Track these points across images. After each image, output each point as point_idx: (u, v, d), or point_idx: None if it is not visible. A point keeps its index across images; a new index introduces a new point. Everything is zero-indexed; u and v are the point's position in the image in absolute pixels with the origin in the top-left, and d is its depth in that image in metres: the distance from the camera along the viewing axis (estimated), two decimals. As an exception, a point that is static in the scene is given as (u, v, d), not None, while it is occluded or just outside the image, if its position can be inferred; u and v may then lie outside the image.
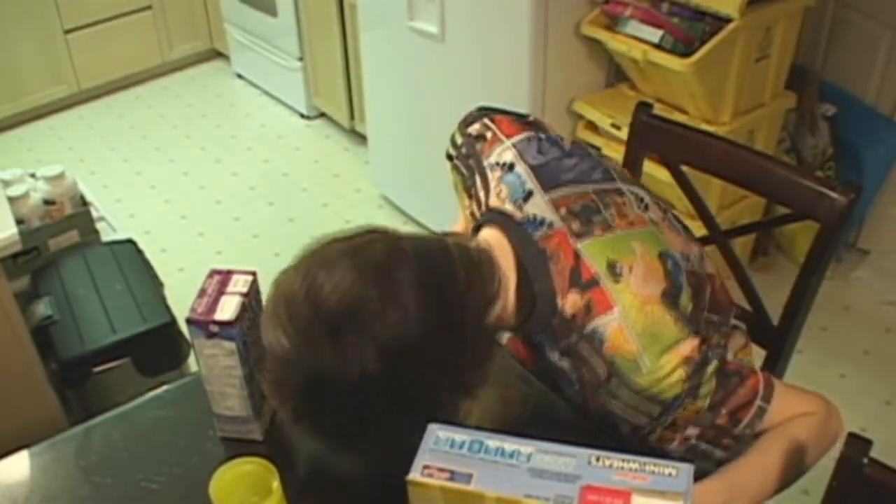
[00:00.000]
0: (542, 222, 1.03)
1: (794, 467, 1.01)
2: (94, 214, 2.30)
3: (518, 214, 1.05)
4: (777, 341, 1.37)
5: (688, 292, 1.02)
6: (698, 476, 0.88)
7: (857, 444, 0.95)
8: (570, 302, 1.00)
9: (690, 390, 0.97)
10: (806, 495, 1.99)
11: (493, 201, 1.09)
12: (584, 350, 1.00)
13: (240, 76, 4.08)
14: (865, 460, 0.94)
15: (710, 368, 0.98)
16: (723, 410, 0.99)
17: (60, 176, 2.23)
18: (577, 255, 1.00)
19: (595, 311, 0.98)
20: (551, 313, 1.01)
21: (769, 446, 1.01)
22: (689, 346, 0.96)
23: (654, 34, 2.16)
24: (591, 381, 1.02)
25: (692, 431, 1.00)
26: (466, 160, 1.17)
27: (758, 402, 1.01)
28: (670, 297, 0.99)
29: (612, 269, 0.99)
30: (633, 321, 0.97)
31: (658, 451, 1.02)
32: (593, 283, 0.98)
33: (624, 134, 1.97)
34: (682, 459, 0.89)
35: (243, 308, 1.04)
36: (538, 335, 1.07)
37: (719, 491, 0.98)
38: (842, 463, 0.96)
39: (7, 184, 2.18)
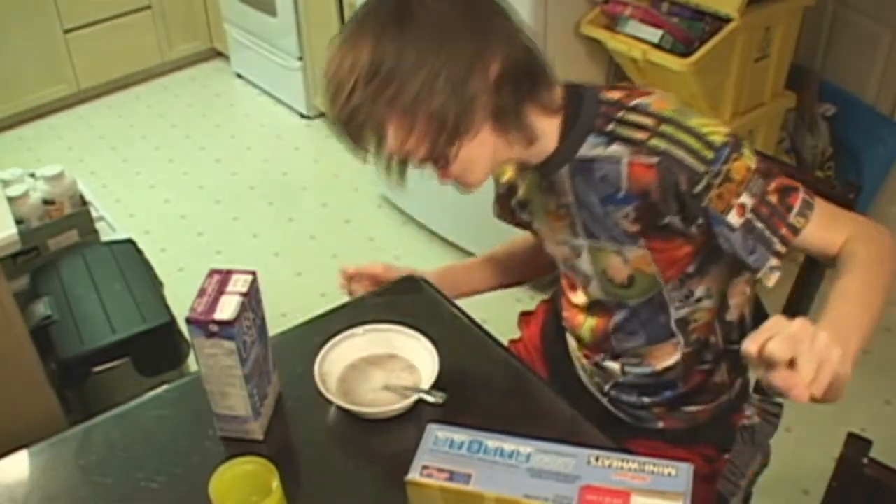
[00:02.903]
0: None
1: (879, 288, 1.00)
2: (94, 214, 2.30)
3: None
4: (777, 341, 1.37)
5: None
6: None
7: (857, 444, 0.95)
8: (613, 92, 1.13)
9: (735, 144, 1.04)
10: (806, 495, 2.00)
11: None
12: (630, 117, 1.09)
13: (239, 76, 4.08)
14: (865, 460, 0.94)
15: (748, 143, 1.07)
16: (772, 183, 1.05)
17: (60, 175, 2.23)
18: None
19: (636, 94, 1.11)
20: (596, 104, 1.11)
21: (847, 280, 1.00)
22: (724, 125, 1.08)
23: (654, 34, 2.16)
24: (640, 139, 1.07)
25: (747, 200, 1.04)
26: None
27: (803, 194, 1.06)
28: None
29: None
30: (671, 98, 1.10)
31: (719, 223, 1.05)
32: (632, 85, 1.18)
33: (624, 134, 1.97)
34: (745, 245, 1.05)
35: (243, 308, 1.04)
36: (576, 161, 1.13)
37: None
38: (842, 463, 0.96)
39: (6, 183, 2.18)
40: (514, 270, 1.51)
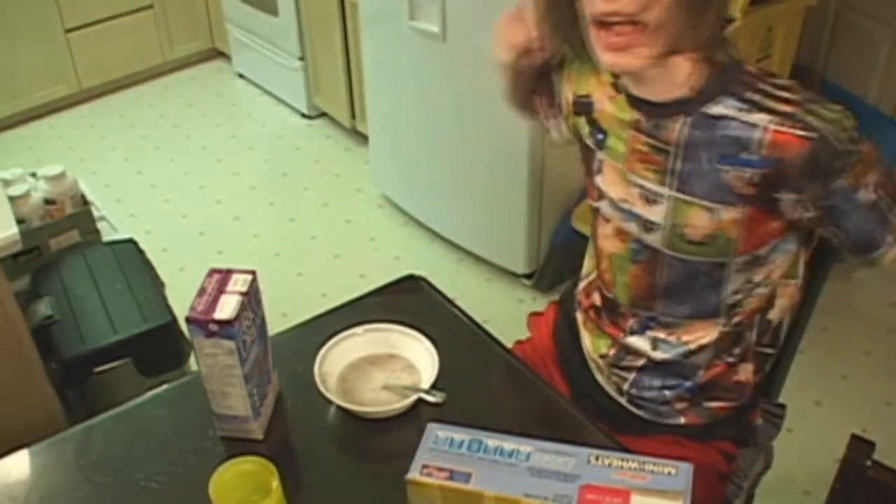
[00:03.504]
0: None
1: None
2: (95, 214, 2.30)
3: None
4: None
5: None
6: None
7: (860, 446, 0.95)
8: (751, 66, 1.15)
9: (859, 127, 1.07)
10: (808, 497, 2.00)
11: None
12: (775, 91, 1.10)
13: (241, 76, 4.08)
14: (868, 462, 0.94)
15: None
16: (886, 172, 1.09)
17: (61, 175, 2.23)
18: None
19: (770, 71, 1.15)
20: (739, 70, 1.12)
21: None
22: None
23: (656, 34, 2.16)
24: (787, 111, 1.08)
25: (875, 178, 1.07)
26: None
27: None
28: None
29: None
30: None
31: (848, 199, 1.07)
32: None
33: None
34: (866, 222, 1.08)
35: (243, 307, 1.04)
36: (704, 108, 1.12)
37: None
38: (845, 465, 0.96)
39: (8, 183, 2.18)
40: None
